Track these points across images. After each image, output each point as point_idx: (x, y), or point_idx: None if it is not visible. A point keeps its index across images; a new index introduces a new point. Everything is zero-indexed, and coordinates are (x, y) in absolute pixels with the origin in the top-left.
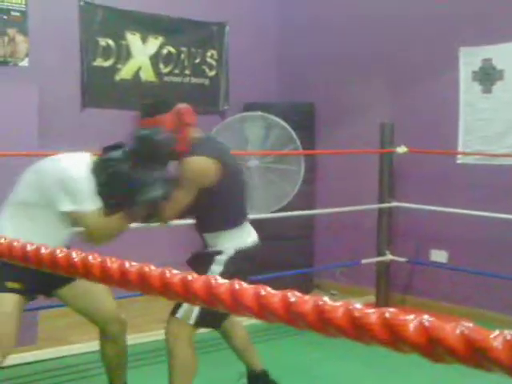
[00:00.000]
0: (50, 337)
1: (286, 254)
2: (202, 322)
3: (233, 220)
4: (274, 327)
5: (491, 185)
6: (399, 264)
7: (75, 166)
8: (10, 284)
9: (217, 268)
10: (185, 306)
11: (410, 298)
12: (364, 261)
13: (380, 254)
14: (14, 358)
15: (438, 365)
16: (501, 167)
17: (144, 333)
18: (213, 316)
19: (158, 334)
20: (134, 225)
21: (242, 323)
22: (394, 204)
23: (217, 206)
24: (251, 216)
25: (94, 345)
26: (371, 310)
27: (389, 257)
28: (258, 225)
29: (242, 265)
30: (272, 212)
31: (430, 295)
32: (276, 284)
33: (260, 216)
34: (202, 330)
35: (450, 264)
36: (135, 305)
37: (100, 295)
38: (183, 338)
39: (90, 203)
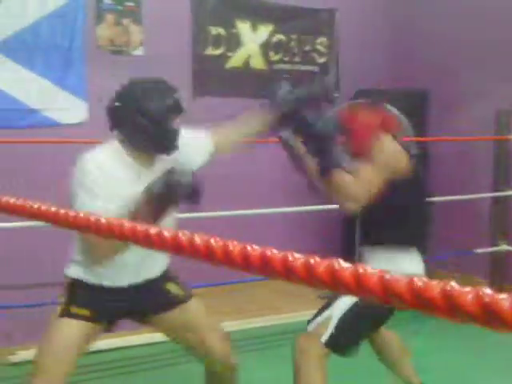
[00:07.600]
0: None
1: None
2: (334, 342)
3: (408, 237)
4: None
5: None
6: None
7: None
8: (74, 309)
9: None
10: (319, 319)
11: None
12: (478, 250)
13: (494, 244)
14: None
15: None
16: None
17: None
18: (347, 338)
19: None
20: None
21: (394, 334)
22: (510, 193)
23: (394, 212)
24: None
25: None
26: (504, 296)
27: (504, 247)
28: None
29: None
30: None
31: None
32: None
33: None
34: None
35: None
36: None
37: (205, 329)
38: (312, 355)
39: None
